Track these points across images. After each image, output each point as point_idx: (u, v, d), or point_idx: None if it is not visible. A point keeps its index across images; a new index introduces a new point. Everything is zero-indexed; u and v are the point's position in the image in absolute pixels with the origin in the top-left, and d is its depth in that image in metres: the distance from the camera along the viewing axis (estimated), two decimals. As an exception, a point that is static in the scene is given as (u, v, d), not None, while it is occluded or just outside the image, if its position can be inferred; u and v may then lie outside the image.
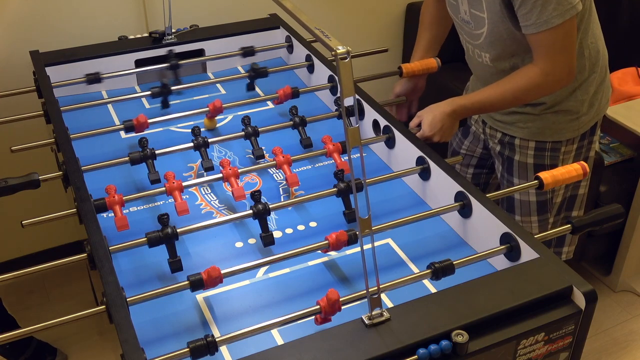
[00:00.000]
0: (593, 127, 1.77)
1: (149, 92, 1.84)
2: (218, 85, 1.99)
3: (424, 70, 1.83)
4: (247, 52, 2.06)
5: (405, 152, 1.56)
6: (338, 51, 0.92)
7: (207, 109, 1.75)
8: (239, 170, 1.49)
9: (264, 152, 1.65)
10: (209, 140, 1.59)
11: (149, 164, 1.54)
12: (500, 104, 1.62)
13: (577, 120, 1.71)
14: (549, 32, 1.47)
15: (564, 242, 1.91)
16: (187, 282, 1.17)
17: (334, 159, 1.57)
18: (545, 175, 1.41)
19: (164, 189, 1.42)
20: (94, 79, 1.89)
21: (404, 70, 1.81)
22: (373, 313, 1.06)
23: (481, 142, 1.92)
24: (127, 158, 1.53)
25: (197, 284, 1.17)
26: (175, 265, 1.30)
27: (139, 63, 1.98)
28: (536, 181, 1.42)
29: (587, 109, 1.71)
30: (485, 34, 1.60)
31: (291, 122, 1.68)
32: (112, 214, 1.40)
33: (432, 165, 1.47)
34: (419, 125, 1.62)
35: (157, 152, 1.55)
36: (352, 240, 1.26)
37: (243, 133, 1.63)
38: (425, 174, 1.50)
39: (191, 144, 1.58)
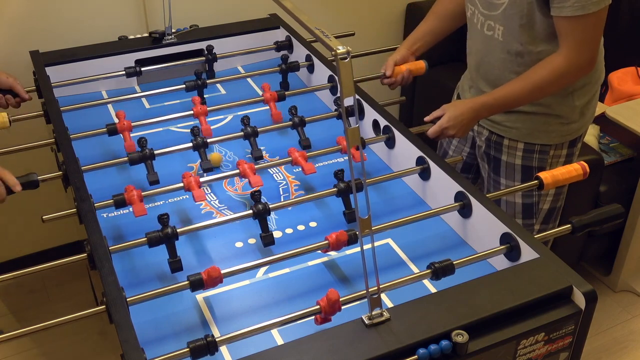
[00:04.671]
0: (580, 137, 1.77)
1: (150, 92, 1.85)
2: (218, 85, 1.99)
3: (413, 73, 1.84)
4: (281, 45, 2.07)
5: (405, 152, 1.56)
6: (338, 51, 0.92)
7: (243, 101, 1.77)
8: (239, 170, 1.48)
9: (263, 152, 1.65)
10: (209, 140, 1.59)
11: (148, 164, 1.53)
12: (524, 98, 1.60)
13: (567, 125, 1.71)
14: (582, 18, 1.46)
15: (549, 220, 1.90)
16: (187, 282, 1.17)
17: (353, 155, 1.56)
18: (545, 175, 1.41)
19: (164, 188, 1.42)
20: (133, 72, 1.91)
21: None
22: (373, 313, 1.06)
23: (469, 140, 1.90)
24: (126, 158, 1.53)
25: (197, 284, 1.17)
26: (175, 265, 1.30)
27: (139, 63, 1.98)
28: (536, 181, 1.42)
29: (578, 116, 1.71)
30: (505, 5, 1.57)
31: (290, 122, 1.68)
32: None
33: (432, 165, 1.47)
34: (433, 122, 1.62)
35: (156, 152, 1.55)
36: (352, 240, 1.26)
37: (242, 133, 1.63)
38: (425, 174, 1.50)
39: (190, 144, 1.58)
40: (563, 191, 1.82)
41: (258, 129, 1.63)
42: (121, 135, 1.63)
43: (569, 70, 1.53)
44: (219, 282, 1.18)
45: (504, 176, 1.80)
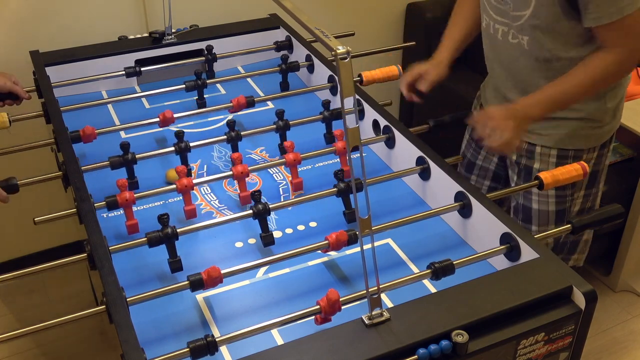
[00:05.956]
0: (611, 138, 1.73)
1: (150, 92, 1.85)
2: (218, 85, 1.99)
3: (385, 79, 1.82)
4: (281, 45, 2.07)
5: (405, 152, 1.56)
6: (338, 51, 0.92)
7: (209, 108, 1.76)
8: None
9: (264, 152, 1.64)
10: (212, 140, 1.60)
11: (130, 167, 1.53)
12: (576, 96, 1.55)
13: (600, 128, 1.66)
14: (621, 21, 1.43)
15: (575, 249, 1.85)
16: (187, 282, 1.17)
17: (341, 160, 1.56)
18: (545, 175, 1.42)
19: (164, 189, 1.42)
20: (133, 72, 1.91)
21: (364, 78, 1.82)
22: (373, 313, 1.06)
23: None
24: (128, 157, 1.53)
25: (197, 284, 1.17)
26: (175, 265, 1.30)
27: (139, 63, 1.98)
28: (536, 181, 1.42)
29: (610, 118, 1.67)
30: (528, 16, 1.52)
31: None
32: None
33: (432, 165, 1.47)
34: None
35: (153, 152, 1.56)
36: (352, 240, 1.26)
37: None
38: (425, 174, 1.50)
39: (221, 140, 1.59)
40: (592, 192, 1.77)
41: (245, 130, 1.63)
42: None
43: (620, 69, 1.52)
44: (219, 282, 1.18)
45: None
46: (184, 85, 1.83)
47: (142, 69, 1.94)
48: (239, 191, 1.48)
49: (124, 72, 1.92)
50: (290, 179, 1.57)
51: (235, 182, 1.49)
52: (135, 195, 1.39)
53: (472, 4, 1.77)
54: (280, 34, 2.14)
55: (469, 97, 1.91)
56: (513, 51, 1.62)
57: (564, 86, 1.53)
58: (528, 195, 1.74)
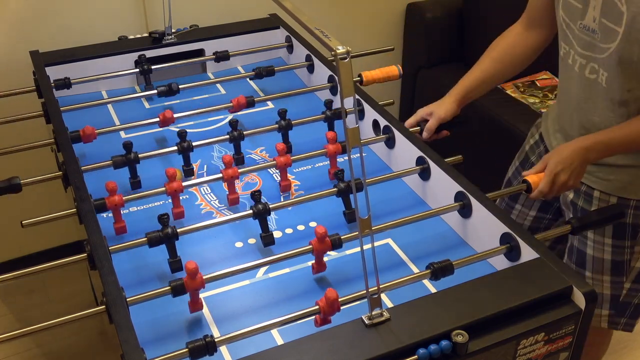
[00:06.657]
0: None
1: (150, 92, 1.85)
2: (218, 85, 1.99)
3: (385, 79, 1.80)
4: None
5: (405, 152, 1.56)
6: (338, 51, 0.92)
7: (208, 108, 1.76)
8: (239, 170, 1.48)
9: (264, 152, 1.64)
10: (213, 139, 1.60)
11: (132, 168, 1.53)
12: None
13: None
14: None
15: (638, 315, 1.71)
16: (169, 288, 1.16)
17: (331, 162, 1.56)
18: (533, 178, 1.41)
19: (163, 189, 1.42)
20: (63, 84, 1.84)
21: (364, 78, 1.79)
22: (373, 313, 1.06)
23: None
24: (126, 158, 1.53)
25: (178, 289, 1.15)
26: (175, 265, 1.30)
27: (139, 63, 1.98)
28: (524, 184, 1.41)
29: None
30: (613, 49, 1.37)
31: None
32: (112, 214, 1.40)
33: (432, 165, 1.47)
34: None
35: (153, 153, 1.56)
36: (336, 245, 1.25)
37: (231, 135, 1.62)
38: (425, 174, 1.50)
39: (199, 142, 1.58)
40: None
41: (246, 131, 1.63)
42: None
43: None
44: (201, 285, 1.16)
45: (592, 230, 1.58)
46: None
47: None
48: (228, 192, 1.48)
49: (129, 71, 1.91)
50: (291, 178, 1.57)
51: (224, 184, 1.49)
52: (134, 195, 1.39)
53: (509, 45, 1.65)
54: (280, 34, 2.14)
55: (477, 104, 1.86)
56: (588, 88, 1.48)
57: (632, 128, 1.41)
58: (583, 238, 1.62)
